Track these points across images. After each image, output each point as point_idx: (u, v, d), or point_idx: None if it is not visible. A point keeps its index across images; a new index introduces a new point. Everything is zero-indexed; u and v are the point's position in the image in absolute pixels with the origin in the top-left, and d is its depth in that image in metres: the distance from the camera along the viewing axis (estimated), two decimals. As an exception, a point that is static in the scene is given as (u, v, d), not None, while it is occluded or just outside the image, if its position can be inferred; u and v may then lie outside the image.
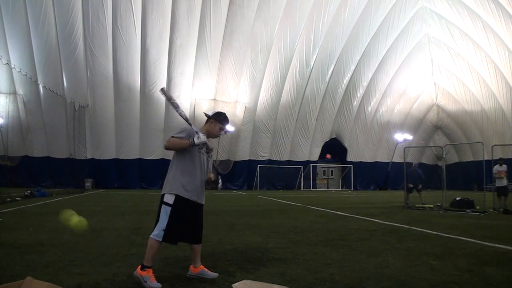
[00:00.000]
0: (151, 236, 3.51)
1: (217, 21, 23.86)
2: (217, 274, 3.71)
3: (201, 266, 3.73)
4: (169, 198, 3.53)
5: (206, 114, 3.94)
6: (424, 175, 14.44)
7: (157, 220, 3.53)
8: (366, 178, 32.21)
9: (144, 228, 6.75)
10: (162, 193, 3.63)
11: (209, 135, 3.81)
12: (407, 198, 13.19)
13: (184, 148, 3.57)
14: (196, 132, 3.60)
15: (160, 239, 3.45)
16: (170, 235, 3.47)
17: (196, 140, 3.51)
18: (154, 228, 3.53)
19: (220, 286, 3.42)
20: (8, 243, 5.32)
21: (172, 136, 3.59)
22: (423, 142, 33.42)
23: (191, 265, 3.73)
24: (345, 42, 27.34)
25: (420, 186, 13.98)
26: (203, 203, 3.77)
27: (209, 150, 3.77)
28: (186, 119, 3.76)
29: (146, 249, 3.50)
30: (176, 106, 3.74)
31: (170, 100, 3.84)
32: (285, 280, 3.63)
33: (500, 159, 12.80)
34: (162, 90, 3.93)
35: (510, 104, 26.63)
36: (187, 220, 3.58)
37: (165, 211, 3.50)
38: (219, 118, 3.85)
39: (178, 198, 3.52)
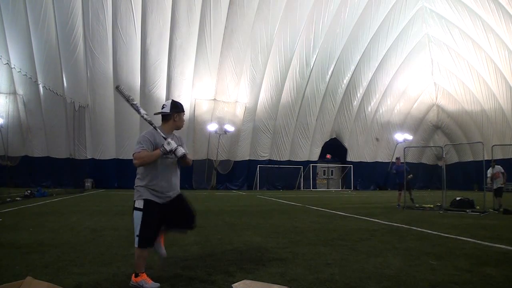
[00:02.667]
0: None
1: (217, 21, 23.86)
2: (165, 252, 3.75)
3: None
4: (139, 203, 3.49)
5: (162, 112, 3.65)
6: (410, 169, 13.96)
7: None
8: (366, 178, 32.19)
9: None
10: (133, 200, 3.59)
11: (177, 129, 3.71)
12: (399, 197, 13.17)
13: (156, 159, 3.44)
14: (165, 138, 3.46)
15: (136, 245, 3.44)
16: (143, 240, 3.44)
17: (167, 147, 3.39)
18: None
19: (220, 286, 3.42)
20: (8, 243, 5.32)
21: (137, 152, 3.42)
22: (423, 142, 33.41)
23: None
24: (345, 42, 27.34)
25: (410, 176, 13.10)
26: (178, 193, 3.66)
27: (179, 155, 3.45)
28: (150, 123, 3.59)
29: (135, 257, 3.50)
30: (136, 109, 3.60)
31: (128, 101, 3.64)
32: (285, 280, 3.63)
33: (493, 161, 12.60)
34: (117, 88, 3.64)
35: (510, 104, 26.63)
36: (158, 221, 3.54)
37: (137, 217, 3.47)
38: (179, 108, 3.69)
39: (146, 202, 3.49)
